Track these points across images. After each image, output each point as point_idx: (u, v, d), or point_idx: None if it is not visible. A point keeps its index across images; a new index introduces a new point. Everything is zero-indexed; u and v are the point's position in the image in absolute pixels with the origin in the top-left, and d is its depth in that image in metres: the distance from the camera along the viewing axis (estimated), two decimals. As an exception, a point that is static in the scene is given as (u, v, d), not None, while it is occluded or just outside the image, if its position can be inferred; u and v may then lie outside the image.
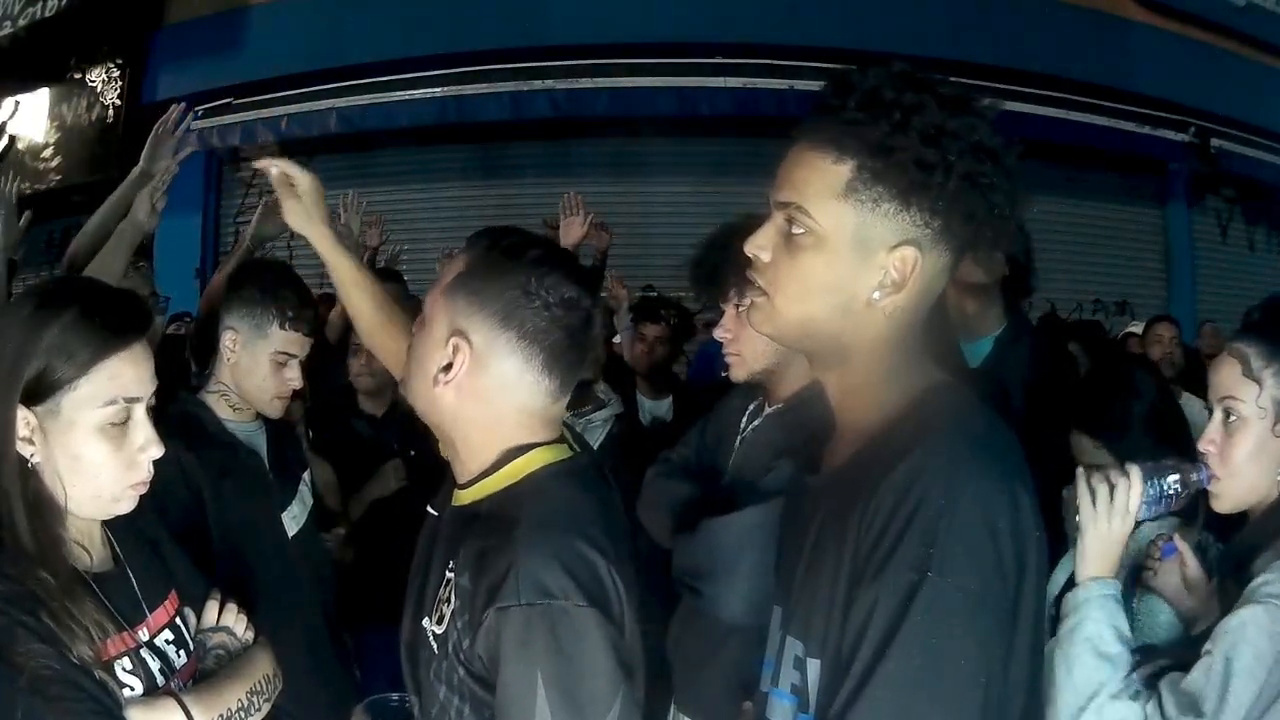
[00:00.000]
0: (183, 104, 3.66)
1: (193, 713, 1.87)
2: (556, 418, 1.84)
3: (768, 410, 2.69)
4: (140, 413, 1.85)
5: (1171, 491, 2.13)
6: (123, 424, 1.83)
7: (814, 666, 1.42)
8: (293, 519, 3.11)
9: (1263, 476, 2.06)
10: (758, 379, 2.64)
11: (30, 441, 1.77)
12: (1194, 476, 2.13)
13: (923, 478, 1.30)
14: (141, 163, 3.55)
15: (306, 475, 3.33)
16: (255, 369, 2.97)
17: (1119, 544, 2.11)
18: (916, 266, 1.41)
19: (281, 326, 2.96)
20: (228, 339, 2.98)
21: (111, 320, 1.82)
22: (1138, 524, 2.16)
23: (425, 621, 1.81)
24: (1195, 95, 10.60)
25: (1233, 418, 2.08)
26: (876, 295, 1.43)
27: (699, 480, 2.81)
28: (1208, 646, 1.90)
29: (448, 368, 1.75)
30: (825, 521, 1.46)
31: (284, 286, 3.02)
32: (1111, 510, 2.09)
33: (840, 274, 1.44)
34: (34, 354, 1.75)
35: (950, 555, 1.26)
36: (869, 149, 1.39)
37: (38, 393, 1.76)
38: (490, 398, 1.76)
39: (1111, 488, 2.08)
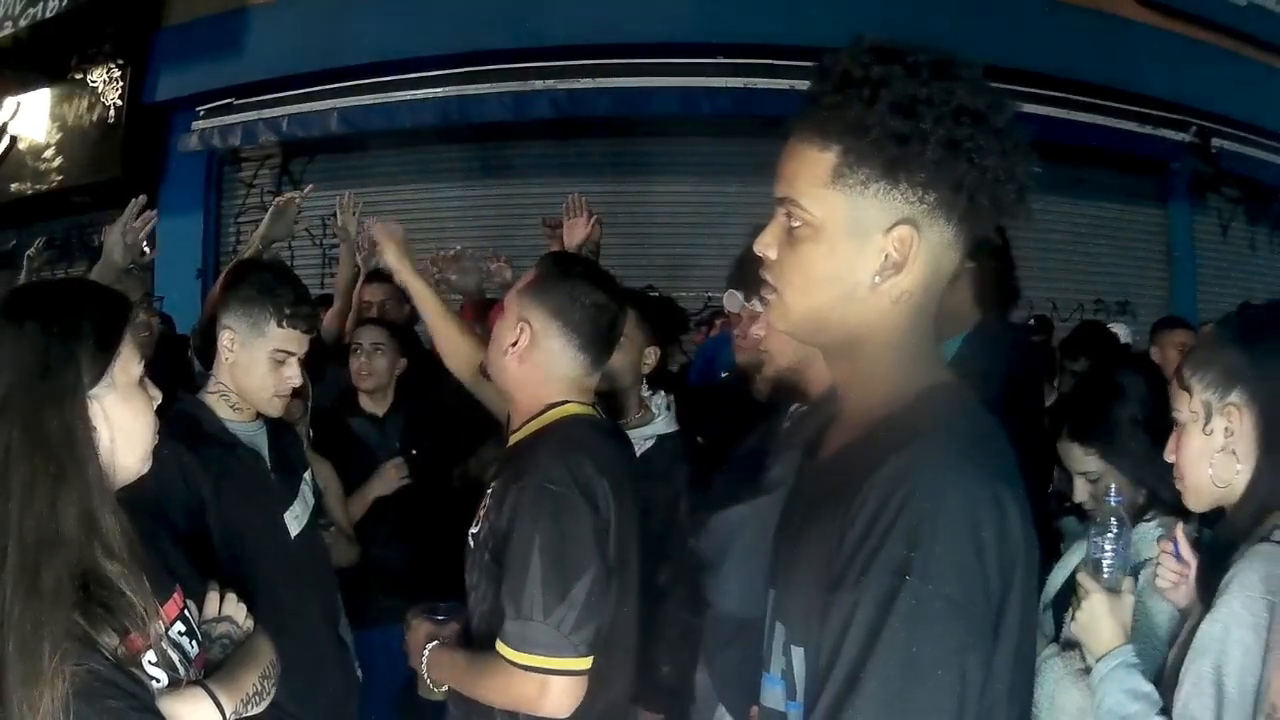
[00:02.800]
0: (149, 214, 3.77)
1: (220, 700, 1.96)
2: (589, 389, 2.61)
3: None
4: None
5: (1113, 543, 2.29)
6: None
7: (797, 654, 1.42)
8: (295, 519, 3.10)
9: (1202, 476, 2.16)
10: (786, 377, 2.67)
11: (94, 427, 1.84)
12: (1112, 503, 2.32)
13: (910, 478, 1.28)
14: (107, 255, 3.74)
15: (308, 475, 3.33)
16: (254, 367, 2.97)
17: (1111, 615, 2.24)
18: (914, 245, 1.40)
19: (279, 324, 2.96)
20: (225, 338, 2.98)
21: (113, 292, 2.01)
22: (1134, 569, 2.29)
23: (470, 530, 2.57)
24: (1196, 95, 10.59)
25: (1177, 425, 2.21)
26: (877, 279, 1.41)
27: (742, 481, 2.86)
28: (1191, 656, 1.92)
29: (515, 343, 2.52)
30: (814, 508, 1.45)
31: (281, 284, 3.02)
32: (1089, 620, 2.27)
33: (840, 262, 1.43)
34: (76, 340, 1.83)
35: (932, 561, 1.24)
36: (847, 131, 1.39)
37: (96, 375, 1.84)
38: (541, 364, 2.53)
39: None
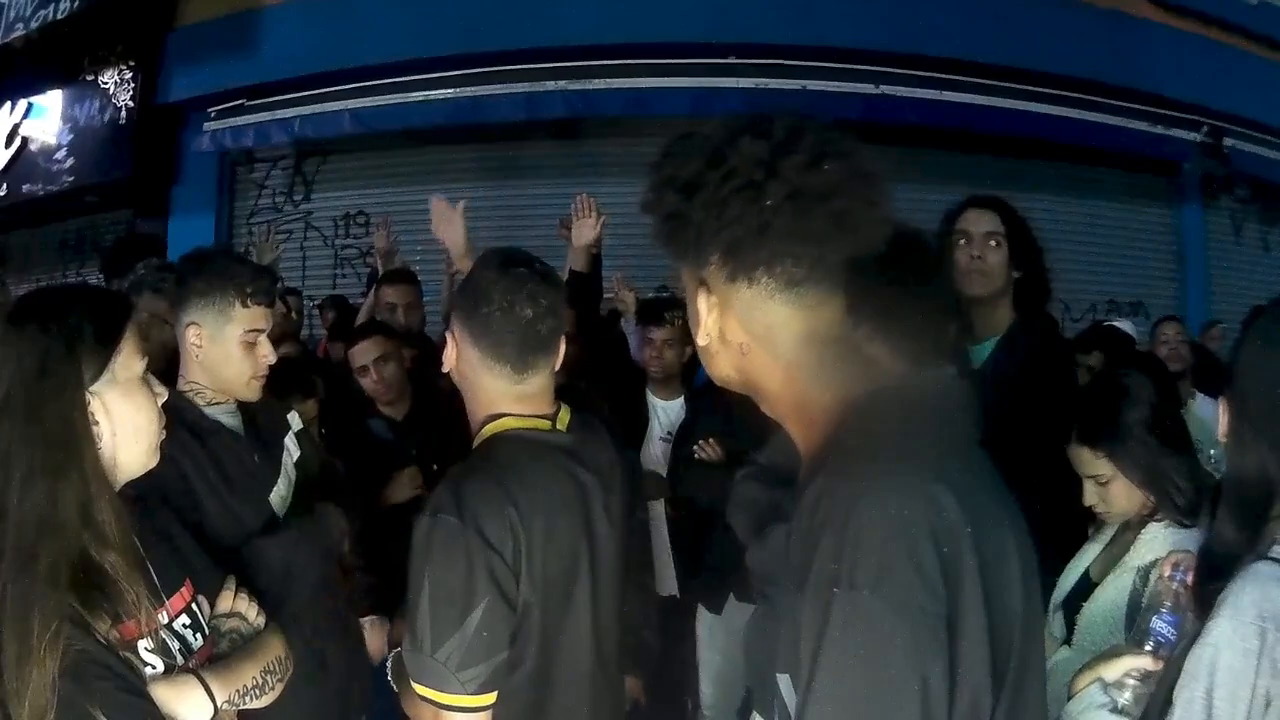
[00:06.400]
0: None
1: (212, 689, 2.01)
2: (526, 395, 2.42)
3: None
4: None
5: (1166, 624, 2.25)
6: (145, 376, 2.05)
7: (784, 681, 1.44)
8: (280, 499, 3.10)
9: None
10: None
11: (96, 421, 1.93)
12: (1175, 583, 2.27)
13: (827, 495, 1.32)
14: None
15: (289, 440, 3.32)
16: (227, 357, 2.95)
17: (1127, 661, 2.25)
18: (703, 300, 1.54)
19: (244, 304, 2.95)
20: (191, 335, 2.95)
21: (113, 296, 2.13)
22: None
23: None
24: (1208, 94, 10.56)
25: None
26: (698, 333, 1.57)
27: (779, 484, 2.85)
28: (1183, 681, 1.90)
29: (449, 357, 2.44)
30: (787, 541, 1.48)
31: (234, 263, 3.03)
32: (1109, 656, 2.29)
33: (691, 323, 1.61)
34: (77, 339, 1.92)
35: (858, 568, 1.25)
36: None
37: (96, 371, 1.93)
38: (470, 375, 2.42)
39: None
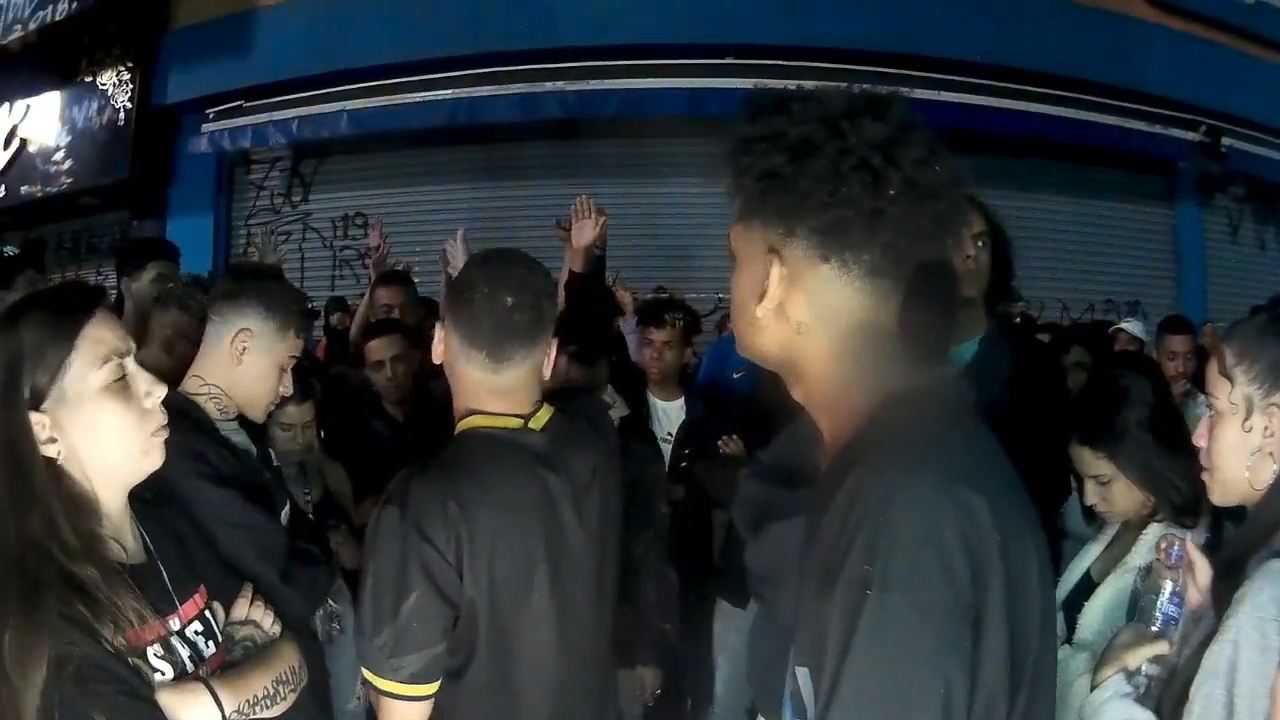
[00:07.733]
0: None
1: (220, 698, 1.96)
2: (502, 389, 2.37)
3: None
4: (132, 364, 1.98)
5: (1169, 601, 2.22)
6: (123, 379, 1.95)
7: (802, 674, 1.43)
8: (283, 518, 3.06)
9: (1236, 471, 2.05)
10: None
11: (53, 440, 1.87)
12: (1173, 559, 2.24)
13: (862, 494, 1.30)
14: None
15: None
16: (263, 374, 2.88)
17: (1139, 646, 2.22)
18: (773, 271, 1.46)
19: (295, 334, 2.92)
20: (242, 339, 2.85)
21: (67, 300, 1.98)
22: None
23: None
24: (1205, 94, 10.58)
25: (1211, 412, 2.10)
26: (757, 305, 1.48)
27: (781, 482, 2.84)
28: (1202, 677, 1.88)
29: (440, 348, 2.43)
30: (808, 533, 1.47)
31: (295, 293, 3.02)
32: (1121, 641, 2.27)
33: (743, 289, 1.53)
34: (19, 359, 1.86)
35: (890, 570, 1.24)
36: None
37: (41, 391, 1.87)
38: (452, 366, 2.40)
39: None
